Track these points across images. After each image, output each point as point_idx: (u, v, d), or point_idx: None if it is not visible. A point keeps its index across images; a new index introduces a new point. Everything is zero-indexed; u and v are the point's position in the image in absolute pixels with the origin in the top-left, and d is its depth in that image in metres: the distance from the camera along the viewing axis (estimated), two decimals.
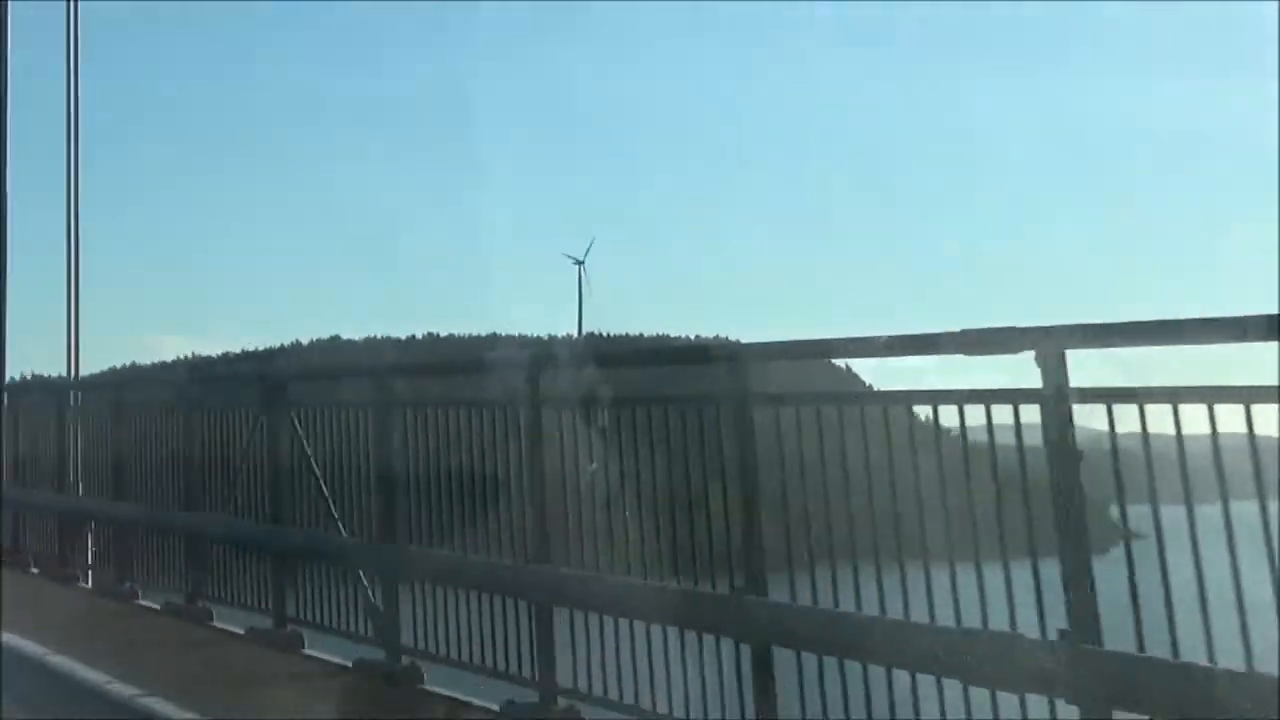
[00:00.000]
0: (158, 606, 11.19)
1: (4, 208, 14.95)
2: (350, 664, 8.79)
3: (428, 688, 8.21)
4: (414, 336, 52.35)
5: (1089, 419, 5.02)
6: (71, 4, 14.66)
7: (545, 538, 7.43)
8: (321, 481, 9.28)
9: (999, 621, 5.12)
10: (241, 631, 9.98)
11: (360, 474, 8.99)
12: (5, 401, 14.84)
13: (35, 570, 13.49)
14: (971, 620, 5.17)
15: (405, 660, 8.38)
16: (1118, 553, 4.80)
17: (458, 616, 8.00)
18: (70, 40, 14.67)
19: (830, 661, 5.90)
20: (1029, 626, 5.05)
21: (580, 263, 58.39)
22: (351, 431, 9.11)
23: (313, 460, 9.42)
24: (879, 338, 5.89)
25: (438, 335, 52.45)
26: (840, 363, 6.77)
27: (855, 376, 7.42)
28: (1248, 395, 4.47)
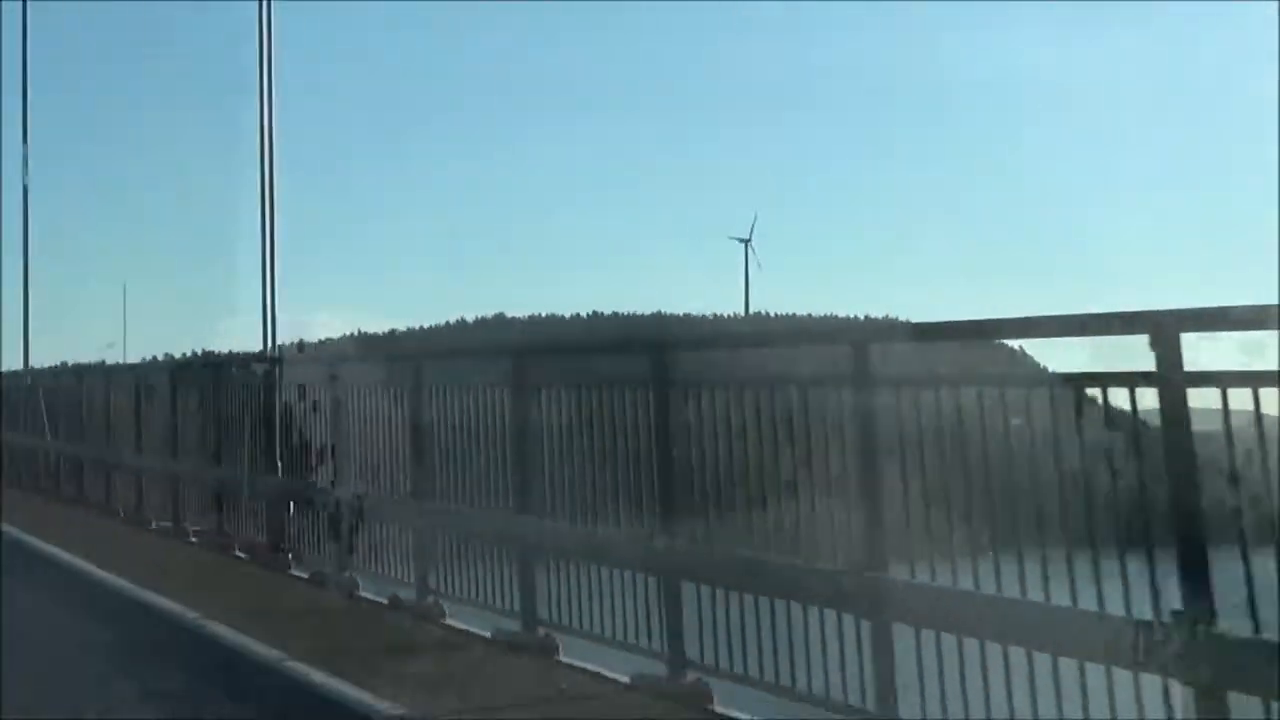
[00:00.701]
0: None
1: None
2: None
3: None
4: (579, 315, 51.72)
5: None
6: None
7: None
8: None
9: None
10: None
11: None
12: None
13: (243, 555, 12.86)
14: None
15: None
16: None
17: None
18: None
19: None
20: None
21: (746, 241, 57.35)
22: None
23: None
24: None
25: (602, 314, 51.79)
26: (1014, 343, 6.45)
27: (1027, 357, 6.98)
28: None
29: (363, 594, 10.52)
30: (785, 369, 7.30)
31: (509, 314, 53.13)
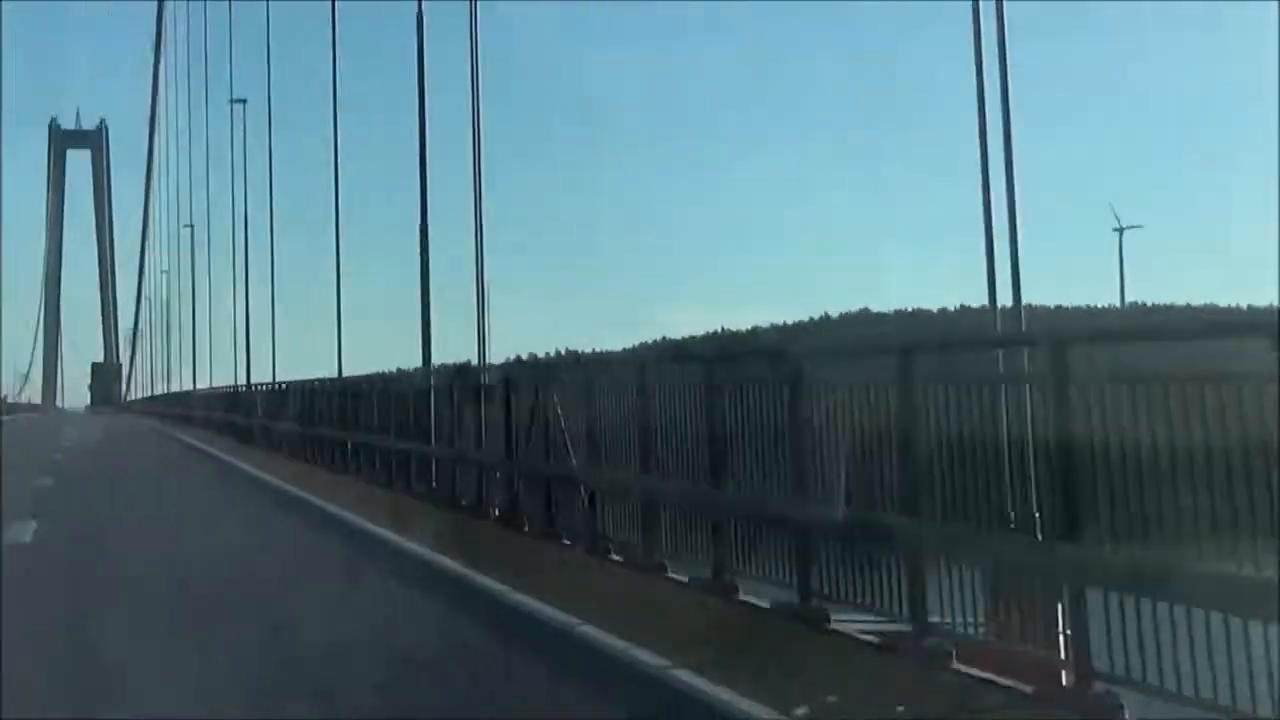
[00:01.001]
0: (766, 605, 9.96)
1: None
2: None
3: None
4: (945, 309, 50.63)
5: None
6: None
7: None
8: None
9: None
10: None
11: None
12: None
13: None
14: None
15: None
16: None
17: None
18: None
19: None
20: None
21: (1121, 230, 54.85)
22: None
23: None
24: None
25: (970, 307, 50.47)
26: None
27: None
28: None
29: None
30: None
31: (874, 309, 52.58)
